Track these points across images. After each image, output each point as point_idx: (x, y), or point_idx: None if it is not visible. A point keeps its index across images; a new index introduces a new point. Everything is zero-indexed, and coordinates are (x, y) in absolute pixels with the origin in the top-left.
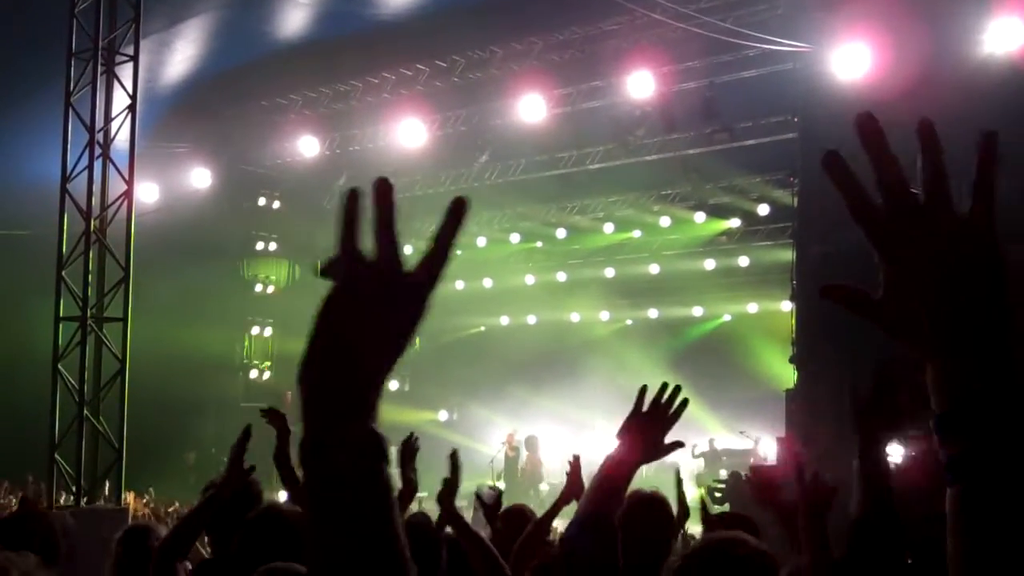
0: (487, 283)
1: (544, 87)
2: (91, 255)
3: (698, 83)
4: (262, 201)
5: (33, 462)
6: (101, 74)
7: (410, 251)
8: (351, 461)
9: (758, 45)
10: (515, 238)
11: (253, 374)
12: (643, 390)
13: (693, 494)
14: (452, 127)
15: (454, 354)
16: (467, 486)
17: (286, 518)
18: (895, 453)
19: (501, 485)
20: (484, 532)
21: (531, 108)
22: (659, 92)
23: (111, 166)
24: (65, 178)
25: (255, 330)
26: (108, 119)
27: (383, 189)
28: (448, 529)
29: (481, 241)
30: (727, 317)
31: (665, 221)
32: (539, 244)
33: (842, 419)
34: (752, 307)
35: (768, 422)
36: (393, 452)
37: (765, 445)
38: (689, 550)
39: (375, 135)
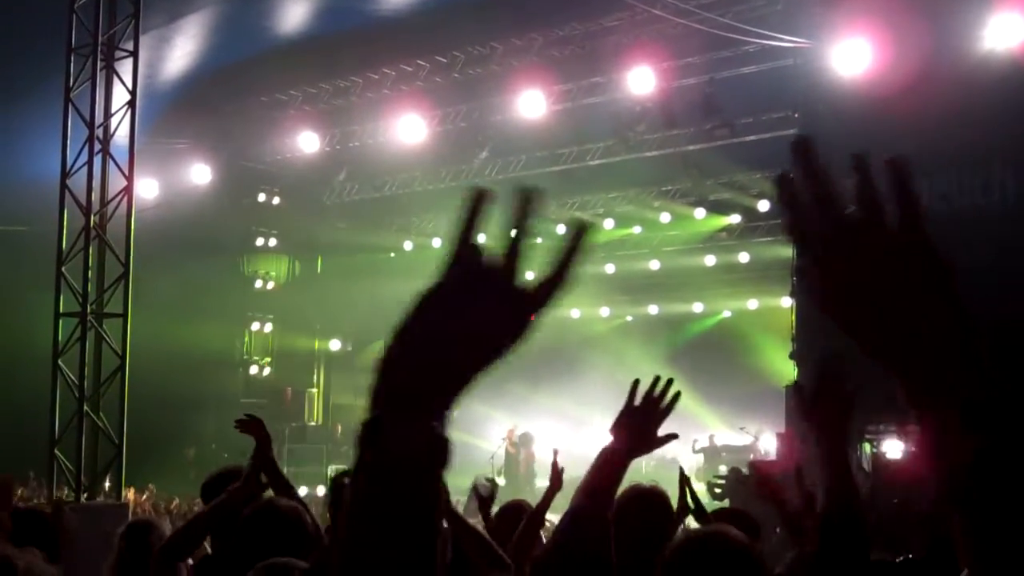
0: None
1: (544, 83)
2: (91, 251)
3: (698, 79)
4: (262, 197)
5: (33, 458)
6: (101, 70)
7: (410, 246)
8: (409, 456)
9: (758, 41)
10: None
11: (253, 370)
12: (635, 384)
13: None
14: (452, 123)
15: None
16: (466, 481)
17: (283, 514)
18: (894, 449)
19: (501, 481)
20: (477, 525)
21: (531, 104)
22: (659, 88)
23: (111, 162)
24: (65, 174)
25: (255, 326)
26: (108, 115)
27: (525, 198)
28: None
29: (481, 237)
30: (727, 313)
31: (665, 217)
32: (539, 240)
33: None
34: (752, 303)
35: (768, 418)
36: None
37: (765, 441)
38: (674, 543)
39: (375, 131)
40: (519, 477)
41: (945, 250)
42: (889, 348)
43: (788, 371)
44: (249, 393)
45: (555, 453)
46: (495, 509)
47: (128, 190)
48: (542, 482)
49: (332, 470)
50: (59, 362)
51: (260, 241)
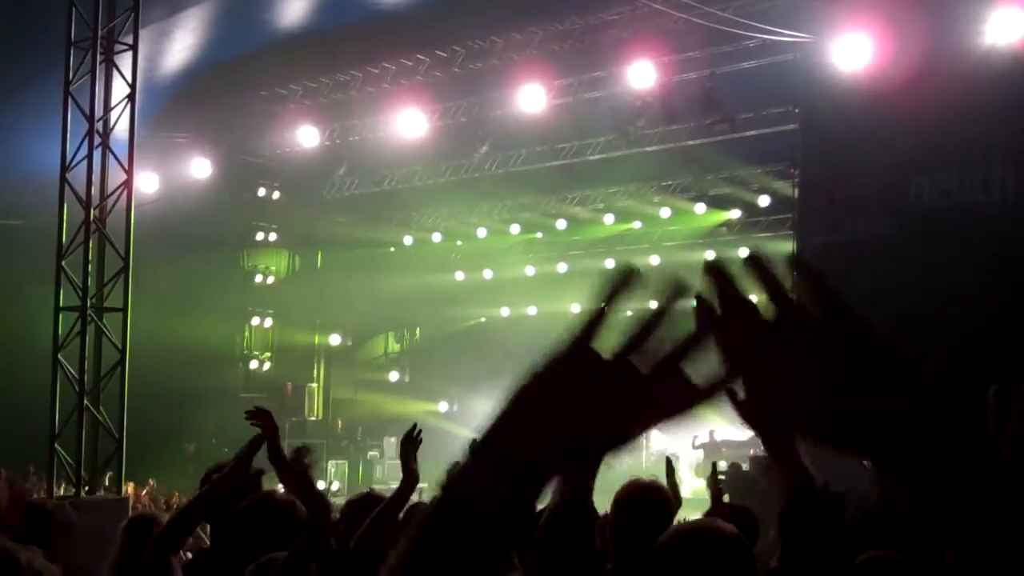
0: (487, 274)
1: (545, 77)
2: (91, 245)
3: (699, 73)
4: (262, 191)
5: (33, 453)
6: (100, 63)
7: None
8: (484, 513)
9: (759, 35)
10: (515, 229)
11: (253, 364)
12: None
13: (695, 485)
14: (452, 117)
15: (454, 345)
16: None
17: (280, 506)
18: None
19: None
20: None
21: (531, 98)
22: (660, 82)
23: (111, 156)
24: (64, 167)
25: (255, 320)
26: (107, 108)
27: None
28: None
29: (481, 232)
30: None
31: (665, 212)
32: (539, 235)
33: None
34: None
35: None
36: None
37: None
38: (663, 537)
39: (375, 125)
40: None
41: (885, 334)
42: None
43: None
44: (249, 388)
45: None
46: None
47: (128, 184)
48: None
49: (334, 466)
50: (59, 356)
51: (260, 235)
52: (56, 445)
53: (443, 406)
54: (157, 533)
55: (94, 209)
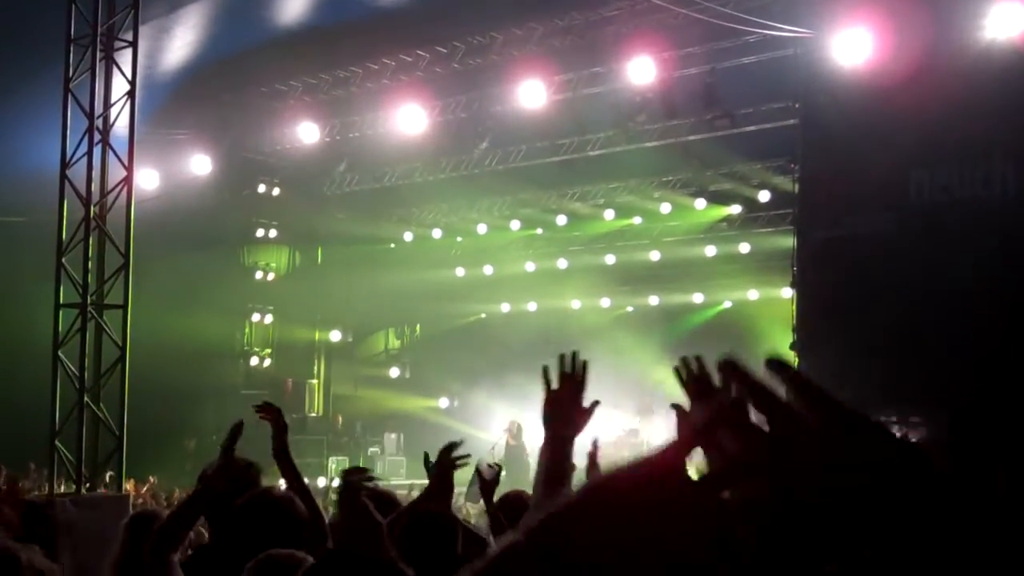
0: (487, 270)
1: (544, 73)
2: (91, 242)
3: (699, 69)
4: (262, 188)
5: (34, 450)
6: (100, 60)
7: (410, 237)
8: None
9: (759, 31)
10: (515, 225)
11: (253, 361)
12: (545, 370)
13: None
14: (452, 113)
15: (454, 341)
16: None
17: (278, 503)
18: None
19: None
20: (478, 505)
21: (531, 94)
22: (660, 78)
23: (111, 152)
24: (64, 164)
25: (255, 317)
26: (107, 105)
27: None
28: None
29: (482, 228)
30: (728, 304)
31: (666, 207)
32: (539, 231)
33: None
34: (753, 294)
35: None
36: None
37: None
38: None
39: (375, 121)
40: (518, 469)
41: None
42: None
43: (789, 362)
44: (249, 384)
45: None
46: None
47: (128, 181)
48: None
49: (334, 462)
50: (59, 353)
51: (260, 232)
52: (56, 442)
53: (443, 402)
54: (156, 531)
55: (94, 206)
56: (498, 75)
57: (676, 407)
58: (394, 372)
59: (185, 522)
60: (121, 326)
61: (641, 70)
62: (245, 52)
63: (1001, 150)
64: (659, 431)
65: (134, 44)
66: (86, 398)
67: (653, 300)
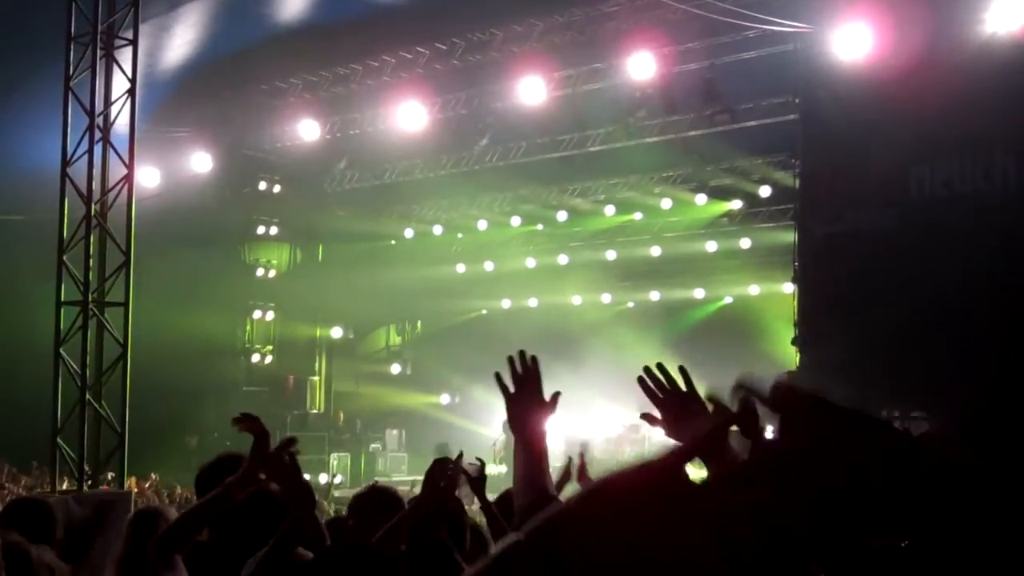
0: (488, 266)
1: (544, 69)
2: (92, 239)
3: (699, 64)
4: (263, 185)
5: (36, 447)
6: (101, 58)
7: (411, 234)
8: None
9: (759, 26)
10: (516, 221)
11: (255, 358)
12: (498, 376)
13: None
14: (452, 110)
15: (456, 337)
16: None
17: (277, 500)
18: None
19: (503, 467)
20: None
21: (532, 90)
22: (660, 74)
23: (111, 150)
24: (65, 162)
25: (256, 314)
26: (108, 103)
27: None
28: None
29: (482, 224)
30: (729, 299)
31: (666, 203)
32: (540, 227)
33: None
34: (754, 289)
35: None
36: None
37: (767, 430)
38: None
39: (375, 118)
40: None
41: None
42: None
43: (791, 357)
44: (251, 381)
45: (582, 449)
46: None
47: (129, 178)
48: None
49: (336, 459)
50: (61, 351)
51: (261, 229)
52: (58, 440)
53: (444, 398)
54: (164, 530)
55: (95, 204)
56: (498, 71)
57: (646, 416)
58: (395, 368)
59: (196, 525)
60: (122, 323)
61: (641, 66)
62: (245, 50)
63: (1002, 145)
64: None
65: (134, 42)
66: (88, 395)
67: (654, 296)
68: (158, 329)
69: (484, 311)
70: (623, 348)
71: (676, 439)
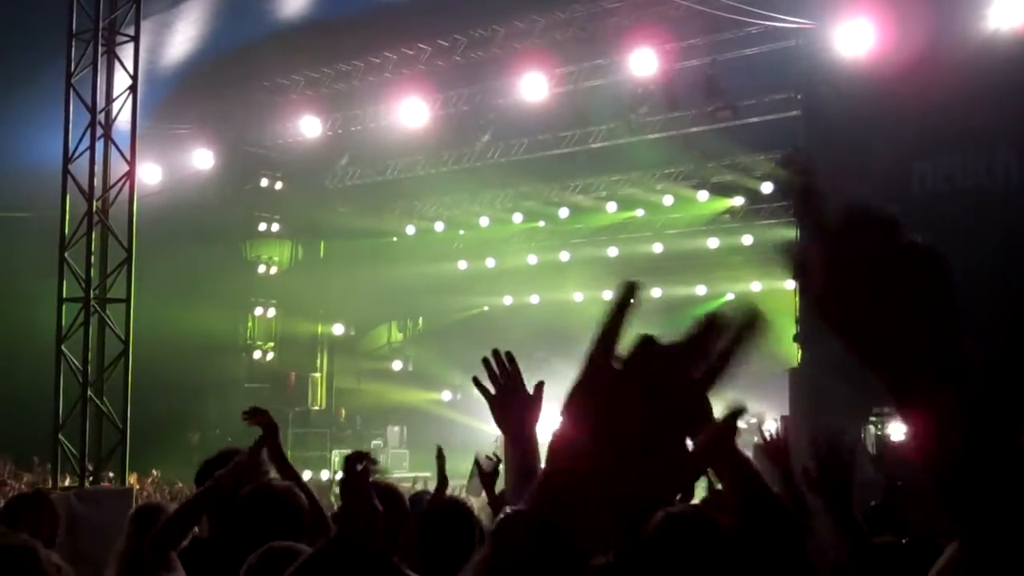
0: (490, 263)
1: (546, 66)
2: (93, 236)
3: (701, 61)
4: (264, 182)
5: (37, 444)
6: (102, 55)
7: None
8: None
9: (761, 22)
10: (518, 218)
11: (256, 355)
12: (476, 381)
13: None
14: (454, 106)
15: (457, 334)
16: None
17: (279, 495)
18: (898, 431)
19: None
20: (480, 498)
21: (533, 87)
22: (661, 70)
23: (113, 147)
24: (67, 159)
25: (258, 311)
26: (109, 100)
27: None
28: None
29: (484, 221)
30: (730, 296)
31: (668, 199)
32: (542, 223)
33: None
34: (756, 285)
35: (772, 401)
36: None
37: (767, 424)
38: (650, 524)
39: (377, 115)
40: None
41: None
42: (880, 344)
43: (792, 354)
44: (252, 378)
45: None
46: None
47: (130, 175)
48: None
49: (337, 455)
50: (62, 347)
51: (263, 226)
52: (60, 436)
53: (446, 395)
54: (159, 526)
55: (96, 200)
56: (500, 68)
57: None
58: (397, 365)
59: (190, 519)
60: (124, 320)
61: (643, 62)
62: (246, 46)
63: (1004, 140)
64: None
65: (136, 39)
66: (89, 392)
67: (656, 292)
68: (159, 326)
69: (486, 308)
70: (624, 345)
71: (499, 422)
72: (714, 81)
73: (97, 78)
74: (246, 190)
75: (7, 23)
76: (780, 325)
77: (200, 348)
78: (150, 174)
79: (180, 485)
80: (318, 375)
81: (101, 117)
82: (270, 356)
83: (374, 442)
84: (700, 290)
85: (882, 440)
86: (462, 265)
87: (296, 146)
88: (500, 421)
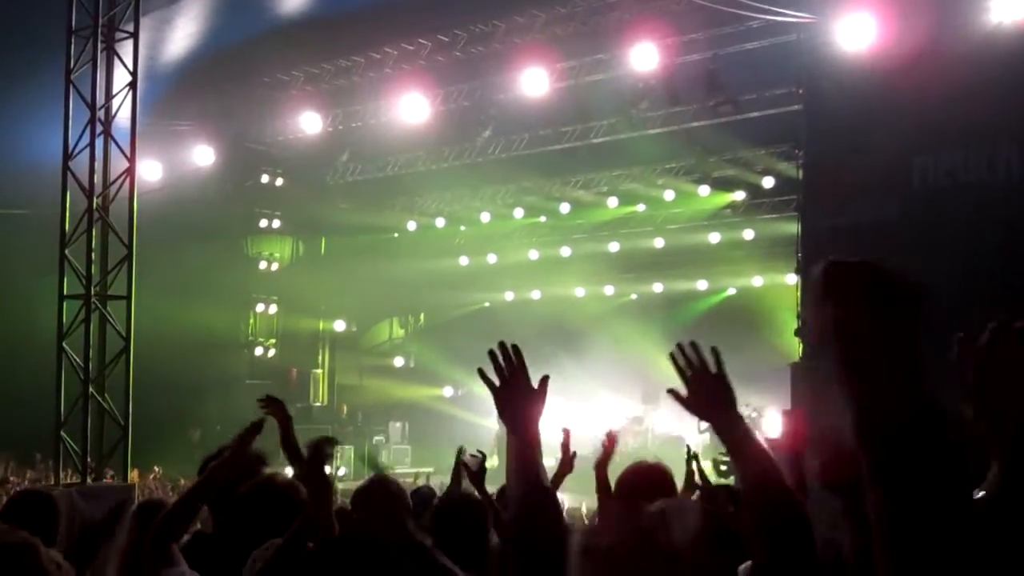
0: (491, 259)
1: (547, 61)
2: (94, 233)
3: (702, 55)
4: (265, 178)
5: (39, 441)
6: (101, 51)
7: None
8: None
9: (762, 16)
10: (519, 213)
11: (258, 351)
12: (481, 372)
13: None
14: (455, 102)
15: (458, 330)
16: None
17: (282, 490)
18: None
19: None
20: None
21: (534, 82)
22: (662, 64)
23: (113, 144)
24: (67, 156)
25: (259, 307)
26: (109, 96)
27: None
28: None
29: (485, 216)
30: (732, 290)
31: (669, 194)
32: (543, 219)
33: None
34: (757, 280)
35: (773, 395)
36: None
37: (770, 418)
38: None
39: (377, 111)
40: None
41: None
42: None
43: (794, 348)
44: (254, 374)
45: (566, 434)
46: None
47: (130, 172)
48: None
49: (339, 451)
50: (64, 344)
51: (263, 222)
52: (62, 433)
53: (448, 391)
54: (157, 522)
55: (97, 197)
56: (500, 63)
57: (671, 392)
58: (398, 361)
59: (187, 513)
60: (125, 317)
61: (644, 57)
62: (247, 42)
63: (1006, 135)
64: (663, 418)
65: (135, 35)
66: (91, 389)
67: (657, 287)
68: (160, 323)
69: (487, 303)
70: (626, 340)
71: (699, 417)
72: (715, 76)
73: (97, 74)
74: (247, 186)
75: (7, 20)
76: (782, 319)
77: (201, 345)
78: (150, 171)
79: (182, 481)
80: (320, 371)
81: (101, 114)
82: (271, 352)
83: (376, 437)
84: (701, 285)
85: None
86: (463, 261)
87: (297, 142)
88: (503, 413)
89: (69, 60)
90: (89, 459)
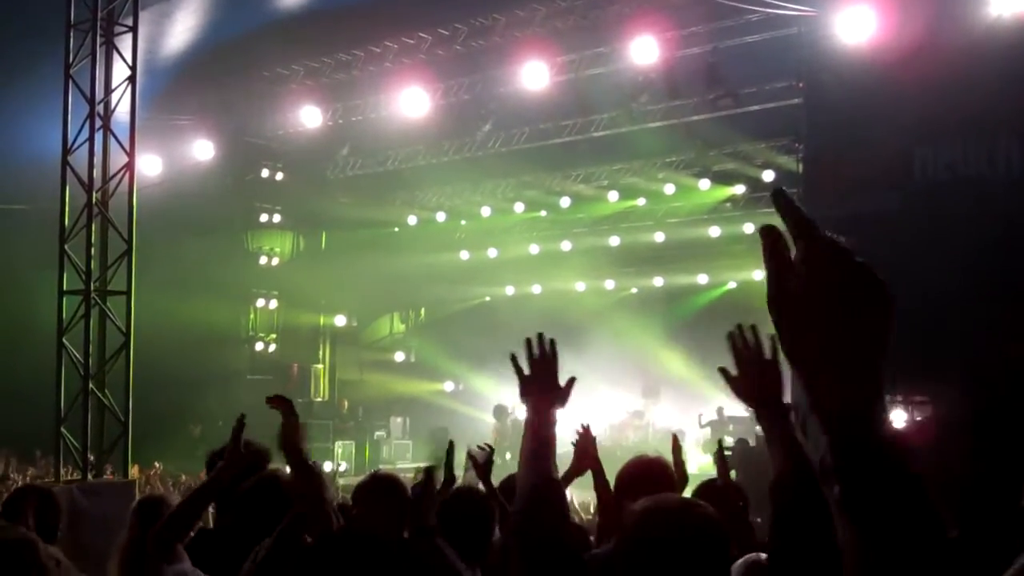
0: (491, 253)
1: (547, 54)
2: (93, 228)
3: (702, 48)
4: (265, 172)
5: (39, 437)
6: (101, 45)
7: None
8: None
9: (762, 9)
10: (519, 207)
11: (258, 346)
12: (513, 357)
13: (702, 461)
14: (455, 96)
15: (459, 325)
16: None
17: (284, 486)
18: (899, 419)
19: (506, 455)
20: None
21: (534, 76)
22: (663, 58)
23: (112, 138)
24: (66, 151)
25: (260, 302)
26: (108, 91)
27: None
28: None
29: (485, 211)
30: (732, 284)
31: (670, 188)
32: (543, 213)
33: None
34: (757, 274)
35: None
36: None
37: None
38: (634, 514)
39: (377, 105)
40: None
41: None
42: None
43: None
44: (255, 370)
45: (585, 429)
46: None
47: (130, 166)
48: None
49: (340, 446)
50: (63, 340)
51: (264, 217)
52: (62, 429)
53: (448, 385)
54: (163, 520)
55: (96, 192)
56: (501, 57)
57: (722, 370)
58: (399, 356)
59: (194, 512)
60: (125, 312)
61: (644, 50)
62: (246, 36)
63: (1006, 128)
64: (664, 413)
65: (134, 29)
66: (91, 385)
67: (657, 281)
68: (161, 318)
69: (487, 298)
70: (626, 334)
71: (744, 401)
72: (715, 69)
73: (96, 69)
74: (247, 181)
75: (5, 14)
76: None
77: (202, 340)
78: (150, 165)
79: (183, 477)
80: (320, 366)
81: (100, 108)
82: (272, 348)
83: (377, 433)
84: (702, 279)
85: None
86: (464, 255)
87: (297, 136)
88: (525, 396)
89: (68, 54)
90: (89, 455)
